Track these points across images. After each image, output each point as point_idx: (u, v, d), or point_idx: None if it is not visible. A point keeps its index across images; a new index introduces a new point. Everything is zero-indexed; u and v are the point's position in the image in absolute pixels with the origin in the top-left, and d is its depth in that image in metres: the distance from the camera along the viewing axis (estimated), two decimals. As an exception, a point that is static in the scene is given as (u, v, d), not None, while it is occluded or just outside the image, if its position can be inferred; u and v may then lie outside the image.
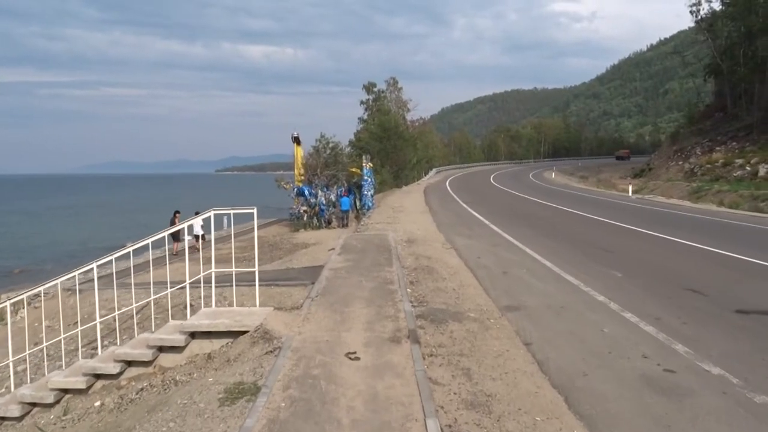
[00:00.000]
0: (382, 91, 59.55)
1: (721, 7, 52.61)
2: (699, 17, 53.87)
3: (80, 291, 11.34)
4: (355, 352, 5.81)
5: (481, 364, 5.66)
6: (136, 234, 22.76)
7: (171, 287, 7.58)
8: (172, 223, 19.37)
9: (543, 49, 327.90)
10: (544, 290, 8.93)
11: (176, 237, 19.82)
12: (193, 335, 6.83)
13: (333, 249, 13.06)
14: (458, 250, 13.06)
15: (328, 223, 26.59)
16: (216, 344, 6.78)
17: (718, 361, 5.64)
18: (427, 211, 24.38)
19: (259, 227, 30.40)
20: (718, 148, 45.93)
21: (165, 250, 16.33)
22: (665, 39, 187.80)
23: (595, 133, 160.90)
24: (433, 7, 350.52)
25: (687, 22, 65.03)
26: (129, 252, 7.46)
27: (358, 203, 28.08)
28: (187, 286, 7.40)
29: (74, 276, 7.36)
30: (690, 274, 10.07)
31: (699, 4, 53.56)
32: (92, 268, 7.23)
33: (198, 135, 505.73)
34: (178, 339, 6.68)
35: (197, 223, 20.61)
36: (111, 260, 7.25)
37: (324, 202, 26.80)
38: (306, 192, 26.81)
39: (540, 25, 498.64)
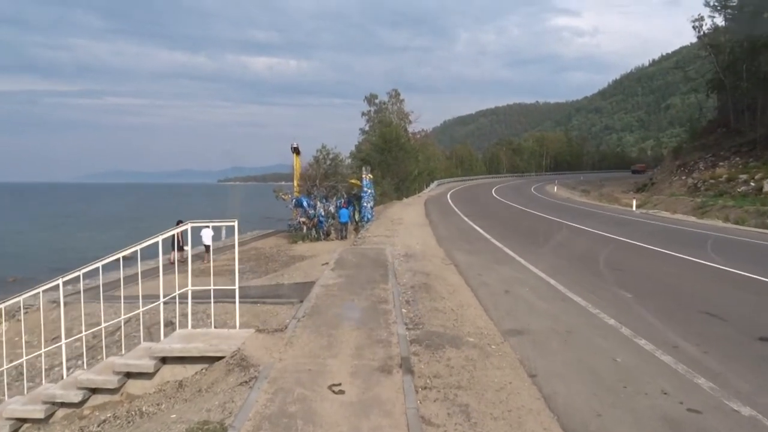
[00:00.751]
0: (384, 103, 59.28)
1: (723, 23, 52.39)
2: (702, 32, 53.52)
3: (61, 305, 10.71)
4: (339, 384, 5.16)
5: (481, 400, 5.01)
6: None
7: (144, 306, 6.95)
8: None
9: (545, 64, 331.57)
10: (549, 312, 8.27)
11: (179, 246, 19.33)
12: (165, 360, 6.18)
13: (327, 263, 12.42)
14: (458, 266, 12.42)
15: (327, 235, 25.99)
16: (189, 370, 6.13)
17: (747, 400, 4.98)
18: (427, 224, 23.75)
19: (257, 238, 29.88)
20: (721, 164, 45.32)
21: (156, 261, 15.72)
22: (667, 54, 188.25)
23: (596, 147, 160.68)
24: (436, 21, 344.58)
25: (689, 37, 64.87)
26: (102, 266, 6.84)
27: (357, 215, 27.47)
28: (161, 305, 6.76)
29: (38, 293, 6.74)
30: (705, 295, 9.41)
31: (701, 19, 53.28)
32: (58, 284, 6.61)
33: (200, 145, 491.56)
34: (147, 365, 6.03)
35: (207, 234, 20.24)
36: (79, 276, 6.62)
37: (323, 213, 26.22)
38: (305, 203, 26.22)
39: (542, 39, 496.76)
